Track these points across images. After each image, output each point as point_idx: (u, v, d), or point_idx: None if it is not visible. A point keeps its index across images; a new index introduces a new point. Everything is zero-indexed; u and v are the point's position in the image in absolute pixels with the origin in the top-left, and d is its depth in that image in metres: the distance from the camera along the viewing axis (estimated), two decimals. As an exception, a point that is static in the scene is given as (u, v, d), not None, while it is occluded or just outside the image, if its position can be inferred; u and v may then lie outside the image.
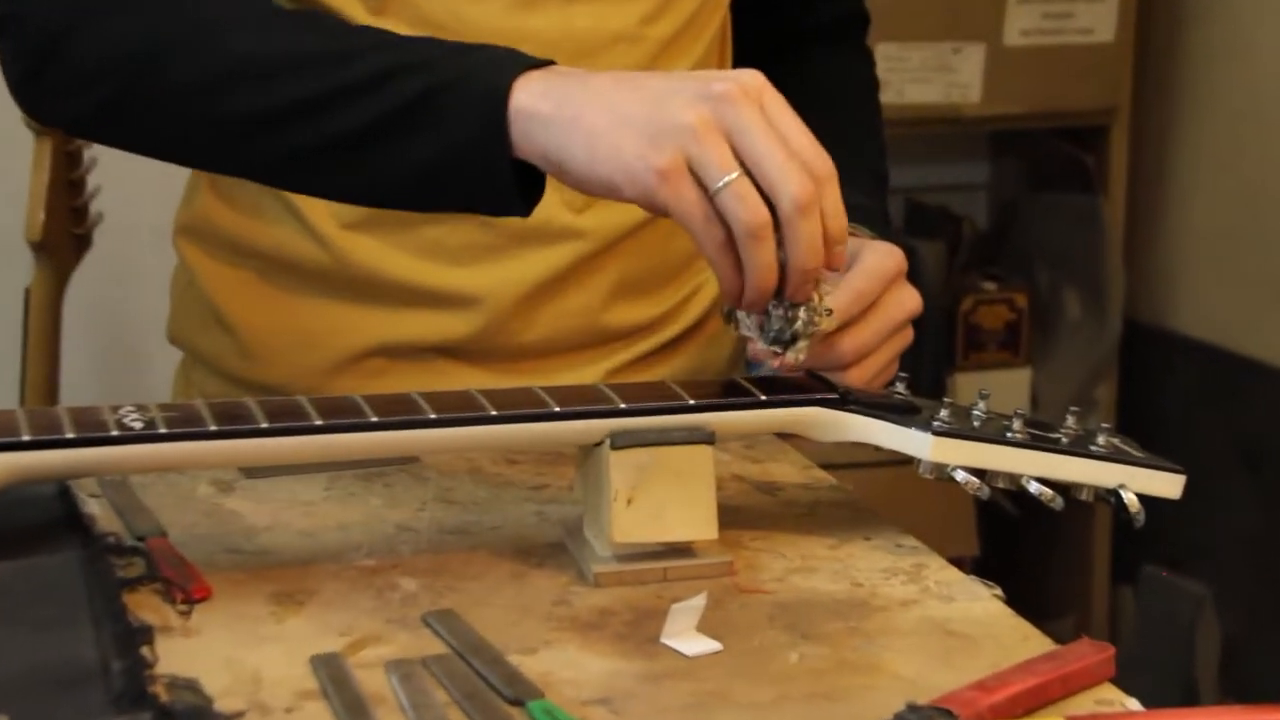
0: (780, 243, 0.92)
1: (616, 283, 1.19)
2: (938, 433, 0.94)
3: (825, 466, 1.11)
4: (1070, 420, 0.97)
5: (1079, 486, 0.96)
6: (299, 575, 0.91)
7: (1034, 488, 0.95)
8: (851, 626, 0.88)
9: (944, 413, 0.95)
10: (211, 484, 1.04)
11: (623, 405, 0.92)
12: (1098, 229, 2.63)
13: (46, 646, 0.79)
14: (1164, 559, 2.53)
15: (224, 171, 1.13)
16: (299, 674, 0.80)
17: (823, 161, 0.93)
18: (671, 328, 1.23)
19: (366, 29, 1.03)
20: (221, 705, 0.76)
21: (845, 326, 1.02)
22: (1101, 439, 0.96)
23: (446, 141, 0.96)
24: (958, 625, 0.88)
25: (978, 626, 0.88)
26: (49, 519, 0.94)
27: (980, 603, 0.91)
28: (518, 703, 0.78)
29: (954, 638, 0.87)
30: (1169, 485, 0.97)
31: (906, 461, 0.96)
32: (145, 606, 0.86)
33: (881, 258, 1.05)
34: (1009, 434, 0.95)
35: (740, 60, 1.27)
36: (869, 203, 1.18)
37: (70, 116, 1.06)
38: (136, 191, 1.83)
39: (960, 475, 0.95)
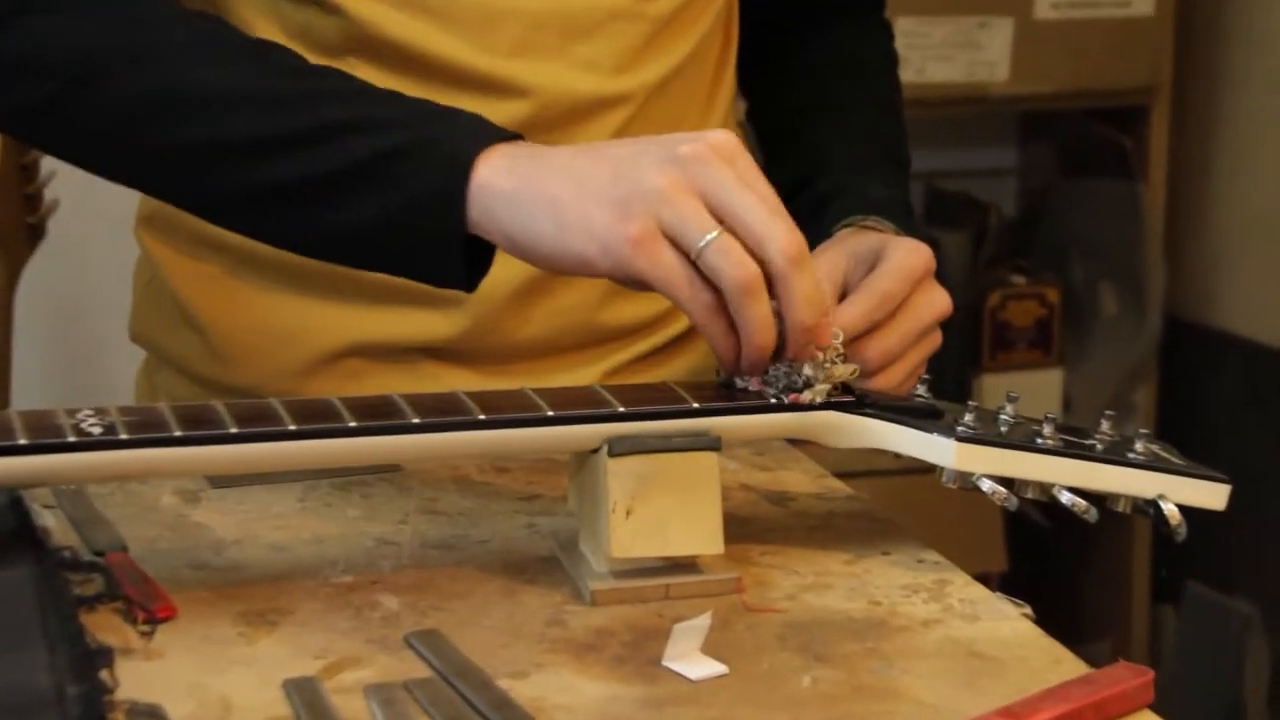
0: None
1: (613, 278, 1.19)
2: (962, 438, 0.95)
3: (840, 475, 1.11)
4: (1105, 425, 0.97)
5: (1115, 497, 0.97)
6: (271, 593, 0.91)
7: (1066, 498, 0.95)
8: (869, 648, 0.88)
9: (969, 417, 0.95)
10: (176, 494, 1.04)
11: (621, 409, 0.92)
12: (1136, 218, 2.63)
13: (-3, 670, 0.79)
14: (1208, 576, 2.54)
15: (155, 195, 1.13)
16: (270, 700, 0.81)
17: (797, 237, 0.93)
18: (672, 326, 1.23)
19: (328, 71, 1.03)
20: (187, 733, 0.77)
21: (870, 331, 1.02)
22: (1139, 445, 0.96)
23: (397, 207, 0.97)
24: (984, 647, 0.89)
25: (1005, 648, 0.89)
26: None
27: (1008, 622, 0.92)
28: (507, 731, 0.78)
29: (980, 660, 0.87)
30: (1213, 496, 0.97)
31: (928, 470, 0.96)
32: (104, 627, 0.86)
33: (907, 255, 1.05)
34: (1039, 440, 0.95)
35: (750, 39, 1.27)
36: (890, 193, 1.19)
37: None
38: (95, 177, 1.83)
39: (986, 484, 0.95)
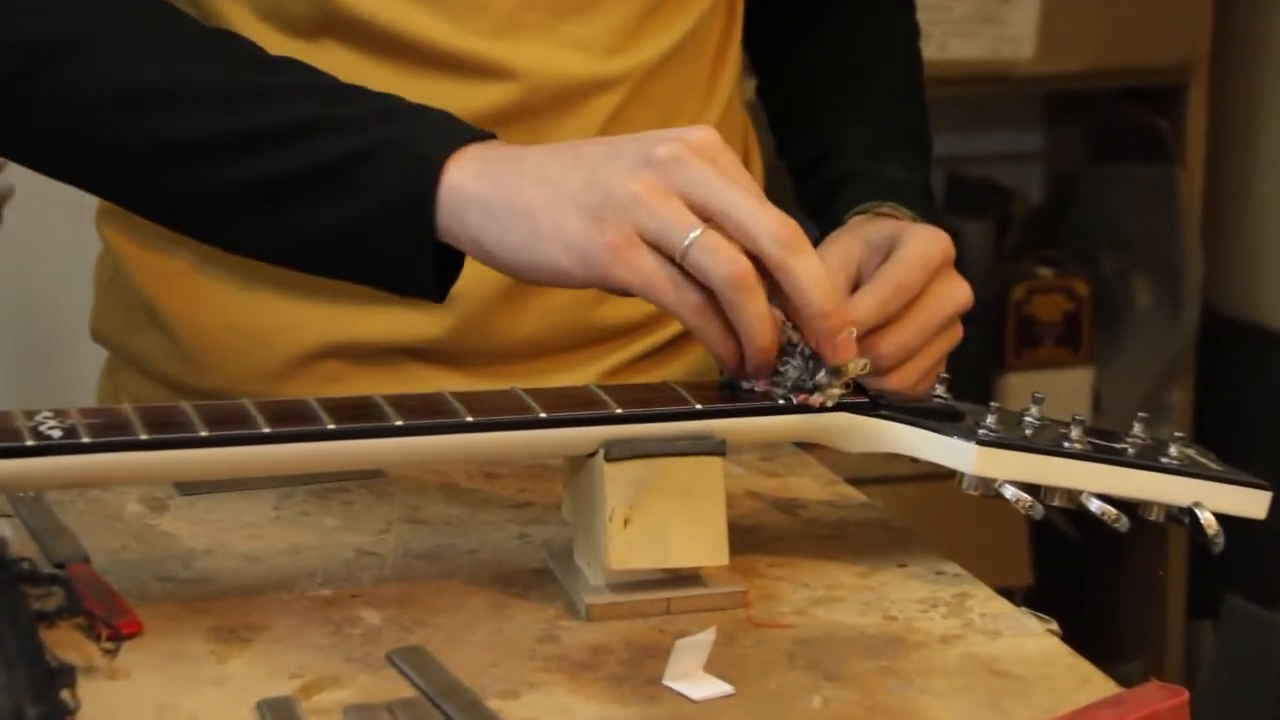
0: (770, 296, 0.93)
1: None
2: (983, 442, 0.95)
3: (853, 481, 1.12)
4: (1138, 428, 0.97)
5: (1148, 505, 0.97)
6: (243, 608, 0.92)
7: (1095, 506, 0.95)
8: (884, 666, 0.88)
9: (991, 419, 0.96)
10: (142, 502, 1.05)
11: (619, 410, 0.92)
12: (1172, 205, 2.63)
13: (-49, 690, 0.79)
14: (1248, 589, 2.54)
15: (102, 196, 1.13)
16: (244, 721, 0.81)
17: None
18: (673, 324, 1.23)
19: (288, 64, 1.03)
20: (154, 758, 0.77)
21: (885, 325, 1.02)
22: (1174, 449, 0.97)
23: (361, 213, 0.98)
24: (1006, 665, 0.89)
25: (1030, 666, 0.89)
26: (-47, 542, 0.94)
27: (1033, 639, 0.92)
28: (497, 755, 0.78)
29: (1002, 679, 0.88)
30: (1253, 503, 0.97)
31: (948, 475, 0.96)
32: (65, 644, 0.86)
33: (924, 243, 1.05)
34: (1066, 443, 0.96)
35: (759, 10, 1.27)
36: (909, 177, 1.19)
37: None
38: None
39: (1010, 491, 0.95)
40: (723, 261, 0.91)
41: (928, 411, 0.97)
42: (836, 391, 0.96)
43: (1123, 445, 0.97)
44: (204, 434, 0.87)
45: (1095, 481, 0.96)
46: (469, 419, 0.90)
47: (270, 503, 1.05)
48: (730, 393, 0.96)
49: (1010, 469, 0.95)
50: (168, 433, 0.87)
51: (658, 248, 0.92)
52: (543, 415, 0.91)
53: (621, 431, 0.92)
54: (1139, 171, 2.66)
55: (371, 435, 0.89)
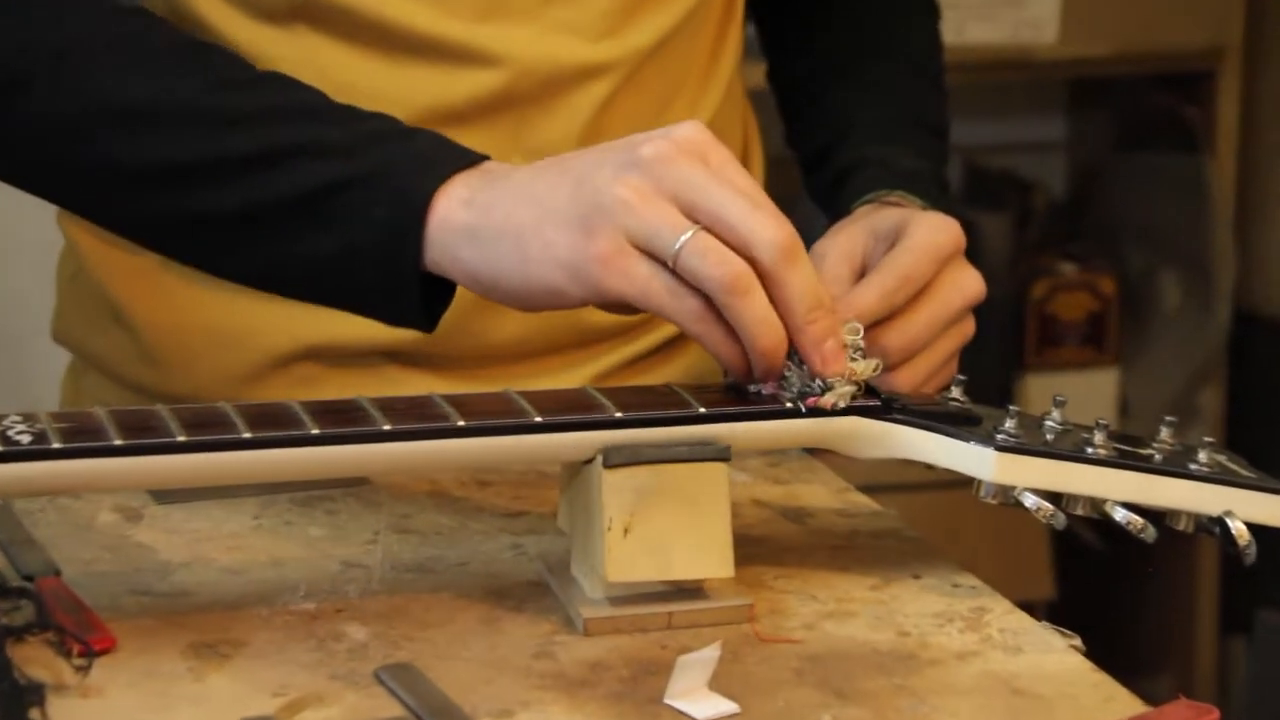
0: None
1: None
2: (1002, 447, 0.95)
3: (865, 489, 1.12)
4: (1166, 432, 0.98)
5: (1176, 514, 0.97)
6: (223, 622, 0.92)
7: (1120, 515, 0.96)
8: (897, 684, 0.89)
9: (1010, 423, 0.96)
10: (115, 511, 1.05)
11: (618, 414, 0.92)
12: (1202, 197, 2.63)
13: (-85, 709, 0.79)
14: (1283, 603, 2.53)
15: (78, 214, 1.13)
16: (223, 742, 0.81)
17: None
18: (667, 326, 1.22)
19: (274, 81, 1.03)
20: (129, 780, 0.77)
21: (891, 318, 1.02)
22: (1204, 455, 0.97)
23: (344, 245, 0.98)
24: (1026, 682, 0.89)
25: (1051, 684, 0.89)
26: (-84, 554, 0.94)
27: (1054, 655, 0.92)
28: (490, 777, 0.79)
29: (1022, 698, 0.88)
30: (1286, 512, 0.97)
31: (965, 483, 0.97)
32: (35, 661, 0.86)
33: (932, 231, 1.05)
34: (1089, 449, 0.96)
35: None
36: (921, 165, 1.19)
37: None
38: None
39: (1030, 500, 0.95)
40: (714, 265, 0.91)
41: (943, 415, 0.97)
42: (848, 390, 0.96)
43: (1149, 451, 0.97)
44: (181, 439, 0.87)
45: (1120, 489, 0.96)
46: (460, 423, 0.90)
47: (251, 512, 1.05)
48: (735, 395, 0.96)
49: (1031, 476, 0.95)
50: (143, 438, 0.87)
51: (650, 254, 0.92)
52: (538, 419, 0.91)
53: (621, 436, 0.92)
54: (1167, 162, 2.66)
55: (358, 440, 0.90)
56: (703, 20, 1.20)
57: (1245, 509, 0.96)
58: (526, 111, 1.13)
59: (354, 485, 1.09)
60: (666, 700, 0.86)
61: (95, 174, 1.02)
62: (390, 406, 0.91)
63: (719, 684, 0.86)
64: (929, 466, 0.98)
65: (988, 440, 0.95)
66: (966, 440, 0.96)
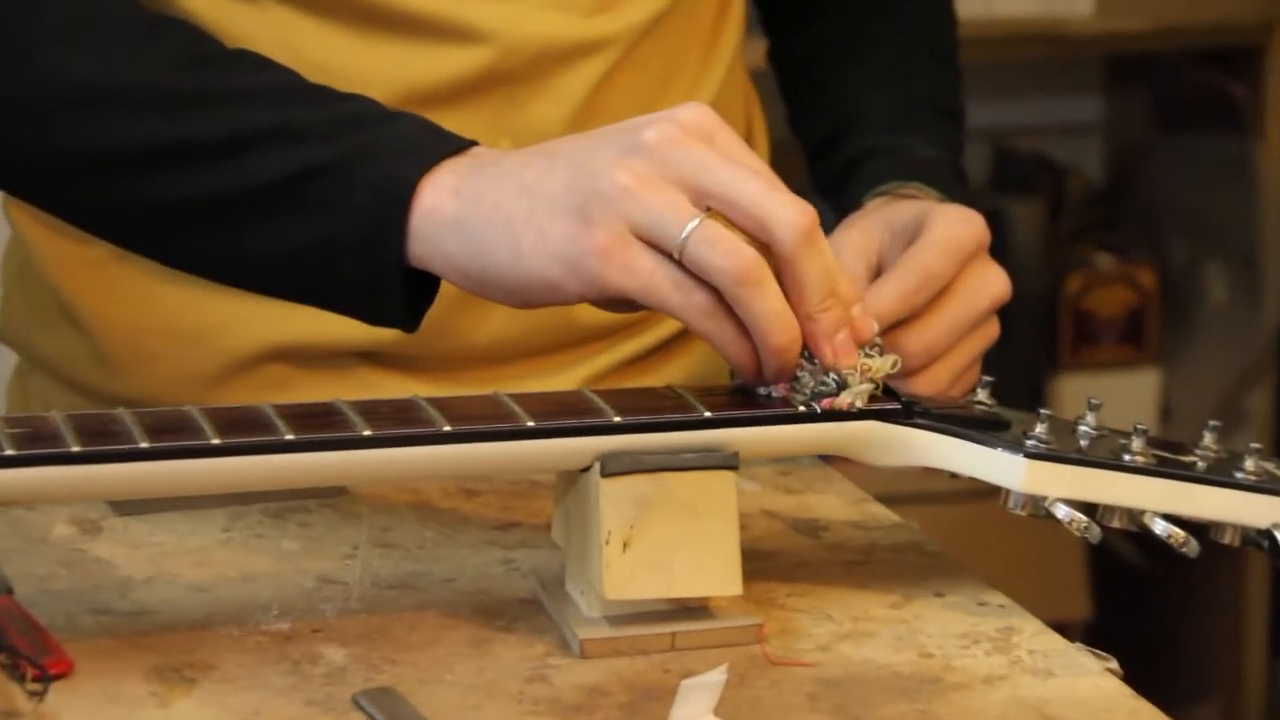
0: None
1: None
2: (1032, 454, 0.95)
3: (884, 499, 1.12)
4: (1210, 438, 0.98)
5: (1221, 526, 0.97)
6: (189, 643, 0.92)
7: (1160, 528, 0.96)
8: (919, 710, 0.89)
9: (1041, 428, 0.96)
10: (72, 523, 1.05)
11: (617, 418, 0.92)
12: (1249, 183, 2.63)
13: None
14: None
15: (31, 203, 1.13)
16: (189, 773, 0.81)
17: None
18: (667, 323, 1.23)
19: (241, 59, 1.03)
20: (87, 814, 0.77)
21: (910, 320, 1.02)
22: (1250, 463, 0.97)
23: (322, 235, 0.98)
24: (1058, 709, 0.89)
25: (1085, 710, 0.89)
26: None
27: (1088, 679, 0.92)
28: (478, 811, 0.79)
29: (1054, 725, 0.88)
30: (1340, 524, 0.97)
31: (992, 493, 0.97)
32: (-14, 685, 0.87)
33: (954, 226, 1.05)
34: (1127, 456, 0.96)
35: None
36: (936, 154, 1.19)
37: None
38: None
39: (1062, 511, 0.95)
40: (723, 254, 0.91)
41: (969, 420, 0.97)
42: (865, 389, 0.96)
43: (1192, 458, 0.97)
44: (144, 445, 0.87)
45: (1160, 500, 0.96)
46: (446, 428, 0.90)
47: (219, 524, 1.05)
48: (743, 398, 0.96)
49: (1063, 485, 0.95)
50: (103, 444, 0.87)
51: (654, 244, 0.92)
52: (530, 424, 0.91)
53: (620, 442, 0.92)
54: (1212, 145, 2.67)
55: (336, 447, 0.90)
56: None
57: (1296, 521, 0.97)
58: (514, 92, 1.13)
59: (331, 495, 1.09)
60: (669, 728, 0.86)
61: (47, 159, 1.02)
62: (371, 410, 0.91)
63: (725, 710, 0.86)
64: (953, 475, 0.98)
65: (1016, 446, 0.95)
66: (994, 446, 0.96)
